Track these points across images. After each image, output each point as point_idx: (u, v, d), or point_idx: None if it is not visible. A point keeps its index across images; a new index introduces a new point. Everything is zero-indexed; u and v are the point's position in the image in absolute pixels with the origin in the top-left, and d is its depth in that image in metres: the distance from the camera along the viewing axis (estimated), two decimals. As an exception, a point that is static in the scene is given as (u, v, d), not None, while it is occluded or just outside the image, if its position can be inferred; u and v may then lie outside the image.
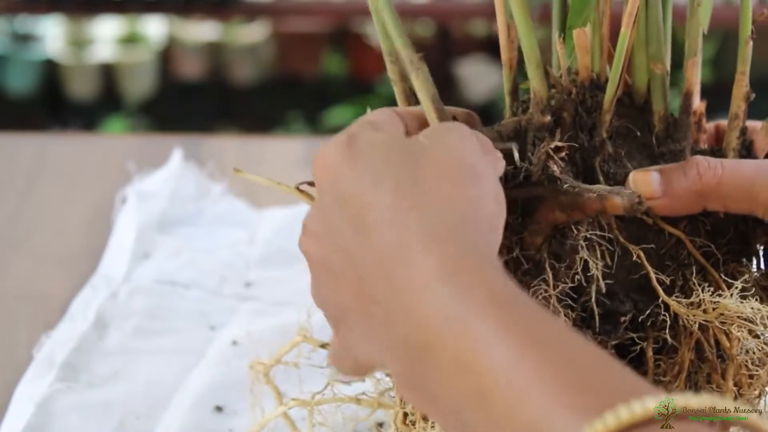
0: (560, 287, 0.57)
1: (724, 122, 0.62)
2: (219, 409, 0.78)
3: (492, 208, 0.50)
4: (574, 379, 0.43)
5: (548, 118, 0.59)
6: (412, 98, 0.61)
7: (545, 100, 0.59)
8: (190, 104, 2.74)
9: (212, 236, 0.97)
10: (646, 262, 0.58)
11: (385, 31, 0.60)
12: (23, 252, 0.98)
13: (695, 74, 0.60)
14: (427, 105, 0.58)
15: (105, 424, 0.76)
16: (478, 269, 0.46)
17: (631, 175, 0.58)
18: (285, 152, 1.15)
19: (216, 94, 2.78)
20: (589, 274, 0.57)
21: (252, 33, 2.78)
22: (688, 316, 0.58)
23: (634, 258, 0.58)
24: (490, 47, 2.54)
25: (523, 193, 0.57)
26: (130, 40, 2.76)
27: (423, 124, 0.57)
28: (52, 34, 2.77)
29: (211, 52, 2.79)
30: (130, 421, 0.77)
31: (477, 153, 0.52)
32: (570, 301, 0.57)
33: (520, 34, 0.59)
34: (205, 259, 0.94)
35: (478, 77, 2.55)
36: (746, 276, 0.59)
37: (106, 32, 2.78)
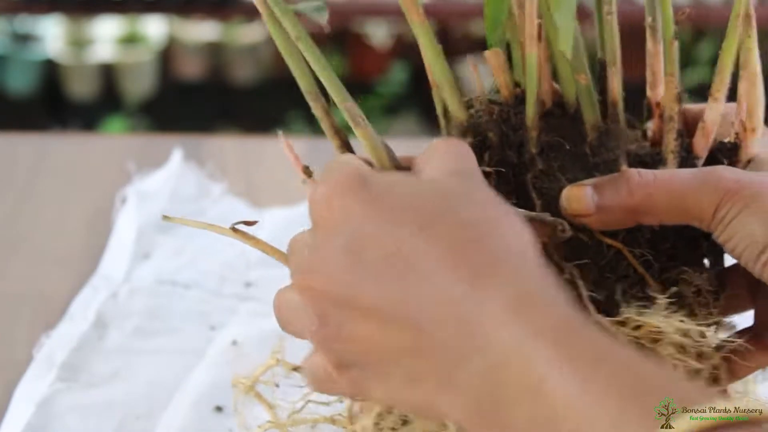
0: None
1: (690, 106, 0.62)
2: (219, 409, 0.78)
3: (528, 238, 0.51)
4: (639, 393, 0.44)
5: (469, 140, 0.58)
6: (341, 132, 0.61)
7: (465, 122, 0.59)
8: (190, 104, 2.74)
9: (212, 236, 0.97)
10: (578, 281, 0.57)
11: (301, 69, 0.59)
12: (23, 252, 0.98)
13: (617, 82, 0.59)
14: (377, 156, 0.57)
15: (105, 424, 0.76)
16: (543, 301, 0.48)
17: (564, 192, 0.58)
18: (285, 153, 1.15)
19: (216, 94, 2.78)
20: None
21: (252, 33, 2.78)
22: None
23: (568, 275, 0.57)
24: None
25: None
26: (130, 40, 2.76)
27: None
28: (52, 34, 2.77)
29: (211, 52, 2.79)
30: (130, 421, 0.77)
31: (488, 189, 0.53)
32: None
33: (428, 58, 0.58)
34: (205, 259, 0.94)
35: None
36: (675, 288, 0.58)
37: (106, 32, 2.78)
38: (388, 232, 0.50)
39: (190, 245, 0.96)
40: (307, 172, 0.62)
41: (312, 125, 2.59)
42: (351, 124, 0.58)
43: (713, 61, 0.61)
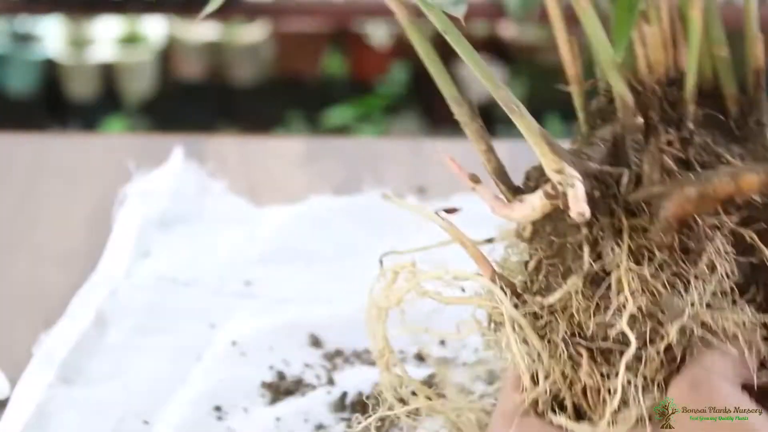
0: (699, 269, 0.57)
1: None
2: (218, 408, 0.78)
3: None
4: None
5: (640, 120, 0.59)
6: (486, 136, 0.61)
7: (632, 103, 0.59)
8: (190, 104, 2.74)
9: (213, 234, 0.98)
10: (759, 243, 0.58)
11: (443, 77, 0.59)
12: (23, 251, 0.98)
13: (760, 50, 0.59)
14: (537, 141, 0.58)
15: (104, 422, 0.76)
16: None
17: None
18: (285, 152, 1.15)
19: (216, 94, 2.77)
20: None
21: (252, 33, 2.78)
22: None
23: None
24: (490, 47, 2.54)
25: (644, 196, 0.58)
26: (130, 40, 2.76)
27: None
28: (52, 34, 2.77)
29: (211, 52, 2.79)
30: (129, 419, 0.77)
31: None
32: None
33: (597, 46, 0.58)
34: (205, 257, 0.94)
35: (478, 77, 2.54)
36: None
37: (106, 32, 2.78)
38: None
39: (190, 243, 0.96)
40: (475, 179, 0.62)
41: (312, 124, 2.60)
42: (507, 111, 0.58)
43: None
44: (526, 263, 0.63)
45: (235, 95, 2.78)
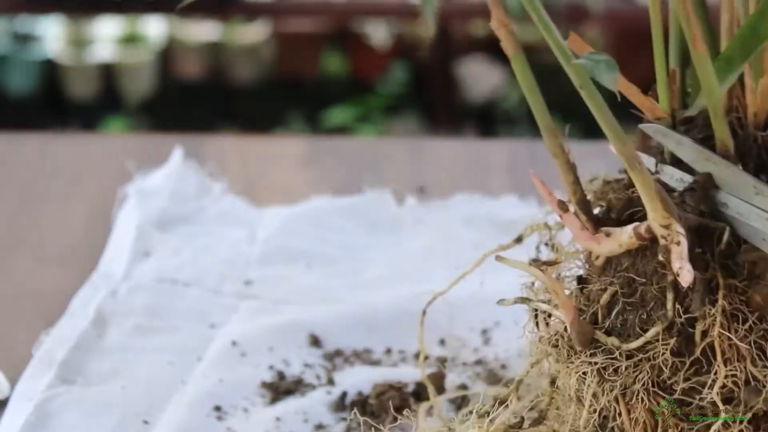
0: None
1: None
2: (218, 408, 0.78)
3: None
4: None
5: (740, 167, 0.58)
6: (574, 168, 0.61)
7: (733, 150, 0.58)
8: (190, 104, 2.74)
9: (212, 234, 0.98)
10: None
11: (541, 107, 0.59)
12: (23, 251, 0.98)
13: None
14: (651, 196, 0.57)
15: (104, 423, 0.76)
16: None
17: None
18: (285, 152, 1.15)
19: (216, 94, 2.78)
20: None
21: (252, 33, 2.78)
22: None
23: None
24: (490, 47, 2.54)
25: (752, 258, 0.57)
26: (130, 40, 2.77)
27: None
28: (52, 34, 2.77)
29: (211, 52, 2.79)
30: (129, 419, 0.77)
31: None
32: None
33: (707, 90, 0.57)
34: (205, 257, 0.94)
35: (478, 77, 2.54)
36: None
37: (106, 32, 2.78)
38: None
39: (190, 243, 0.96)
40: (563, 207, 0.61)
41: (312, 124, 2.60)
42: (627, 167, 0.57)
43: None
44: (583, 285, 0.62)
45: (235, 95, 2.78)
